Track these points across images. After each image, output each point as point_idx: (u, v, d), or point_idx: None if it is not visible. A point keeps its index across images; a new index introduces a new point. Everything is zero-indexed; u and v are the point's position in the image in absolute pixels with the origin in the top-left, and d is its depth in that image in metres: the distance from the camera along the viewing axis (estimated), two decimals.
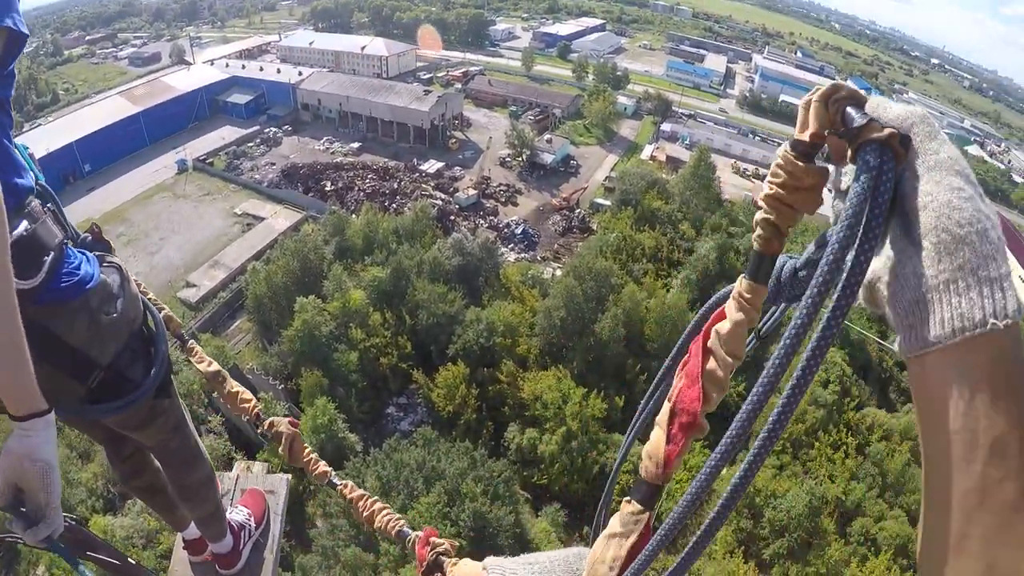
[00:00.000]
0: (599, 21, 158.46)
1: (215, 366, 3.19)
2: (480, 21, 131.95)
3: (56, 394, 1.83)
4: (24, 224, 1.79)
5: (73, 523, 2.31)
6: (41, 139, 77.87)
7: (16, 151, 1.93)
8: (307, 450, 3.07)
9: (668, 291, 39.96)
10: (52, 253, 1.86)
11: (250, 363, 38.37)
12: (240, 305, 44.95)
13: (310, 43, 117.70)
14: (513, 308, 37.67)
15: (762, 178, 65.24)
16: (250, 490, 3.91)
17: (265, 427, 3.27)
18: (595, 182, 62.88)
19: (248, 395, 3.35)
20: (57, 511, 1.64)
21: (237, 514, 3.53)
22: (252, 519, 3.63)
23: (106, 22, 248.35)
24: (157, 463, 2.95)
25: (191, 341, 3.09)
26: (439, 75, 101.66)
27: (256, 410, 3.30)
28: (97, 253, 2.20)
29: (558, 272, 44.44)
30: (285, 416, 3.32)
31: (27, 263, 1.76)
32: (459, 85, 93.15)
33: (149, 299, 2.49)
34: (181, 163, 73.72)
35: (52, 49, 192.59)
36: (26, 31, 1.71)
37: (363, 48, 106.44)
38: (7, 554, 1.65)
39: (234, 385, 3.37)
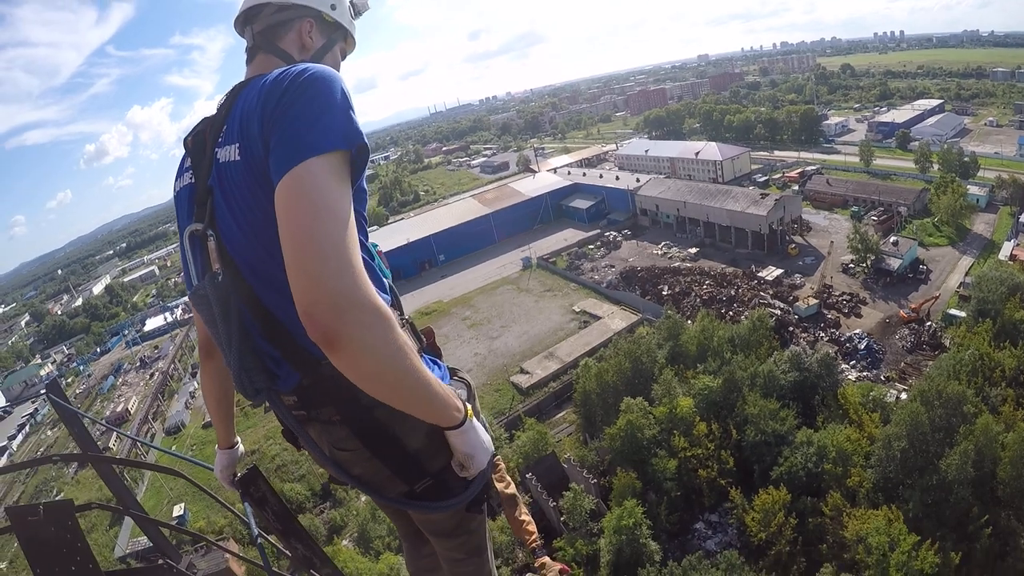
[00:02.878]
0: (937, 102, 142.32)
1: (512, 489, 3.38)
2: (811, 117, 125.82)
3: (382, 485, 2.18)
4: None
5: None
6: (404, 230, 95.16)
7: (374, 262, 2.08)
8: None
9: None
10: None
11: (568, 453, 39.32)
12: (568, 397, 46.67)
13: (645, 151, 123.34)
14: (849, 433, 33.73)
15: None
16: None
17: (536, 564, 3.68)
18: (948, 290, 54.81)
19: (533, 527, 3.66)
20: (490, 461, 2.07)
21: None
22: None
23: (460, 135, 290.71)
24: None
25: (498, 457, 3.04)
26: (775, 177, 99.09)
27: (535, 544, 3.64)
28: (450, 367, 2.42)
29: (903, 395, 39.71)
30: (556, 563, 3.78)
31: None
32: (796, 187, 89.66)
33: (483, 419, 2.42)
34: (526, 260, 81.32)
35: (414, 157, 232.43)
36: (367, 146, 1.79)
37: (697, 153, 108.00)
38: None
39: (524, 513, 3.64)
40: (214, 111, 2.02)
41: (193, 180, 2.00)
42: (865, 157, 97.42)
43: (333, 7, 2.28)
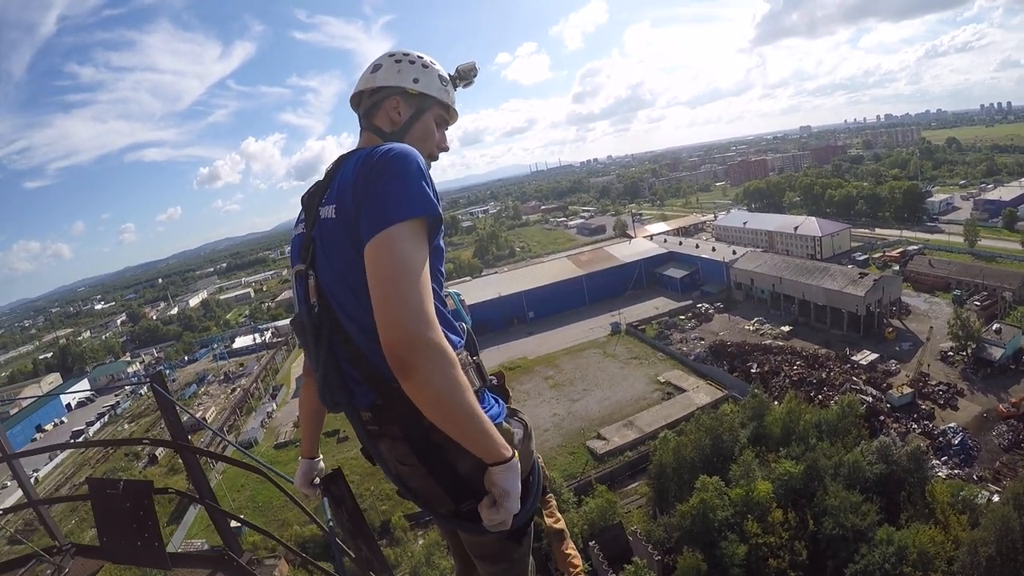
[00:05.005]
0: None
1: (562, 524, 3.41)
2: (915, 194, 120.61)
3: (434, 501, 2.36)
4: None
5: None
6: (496, 284, 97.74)
7: (448, 307, 2.36)
8: None
9: None
10: None
11: (635, 526, 38.36)
12: (643, 468, 46.21)
13: (743, 223, 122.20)
14: (933, 534, 31.46)
15: None
16: None
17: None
18: None
19: (578, 561, 3.65)
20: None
21: None
22: None
23: (559, 195, 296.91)
24: None
25: (551, 494, 3.23)
26: (875, 256, 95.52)
27: None
28: (511, 407, 2.55)
29: (996, 497, 36.57)
30: None
31: None
32: (896, 267, 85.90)
33: (537, 459, 2.64)
34: (615, 325, 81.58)
35: (513, 213, 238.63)
36: (440, 215, 2.10)
37: (796, 228, 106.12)
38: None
39: (570, 547, 3.66)
40: (322, 176, 2.43)
41: (304, 230, 2.38)
42: (969, 237, 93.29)
43: (416, 80, 2.54)
